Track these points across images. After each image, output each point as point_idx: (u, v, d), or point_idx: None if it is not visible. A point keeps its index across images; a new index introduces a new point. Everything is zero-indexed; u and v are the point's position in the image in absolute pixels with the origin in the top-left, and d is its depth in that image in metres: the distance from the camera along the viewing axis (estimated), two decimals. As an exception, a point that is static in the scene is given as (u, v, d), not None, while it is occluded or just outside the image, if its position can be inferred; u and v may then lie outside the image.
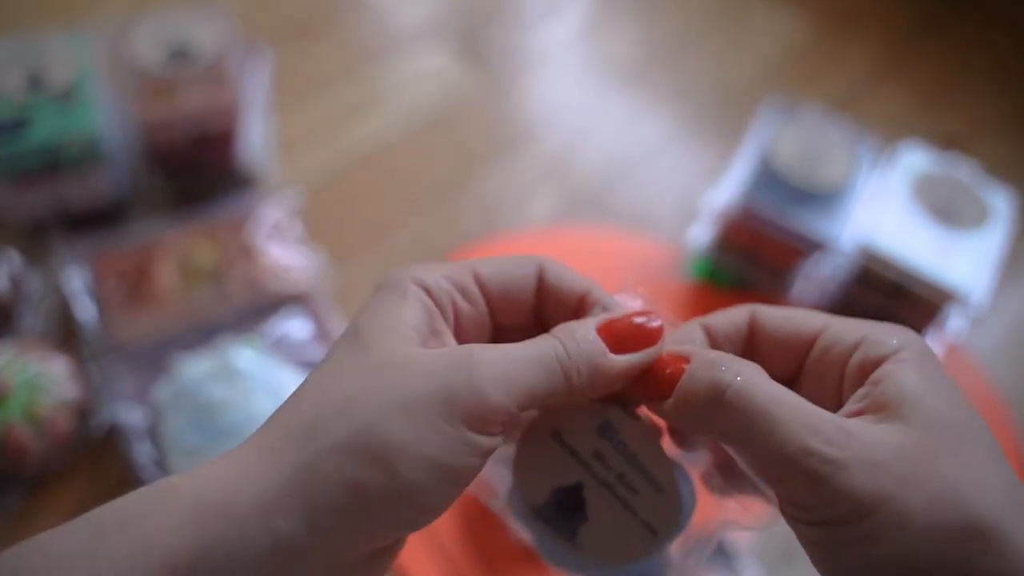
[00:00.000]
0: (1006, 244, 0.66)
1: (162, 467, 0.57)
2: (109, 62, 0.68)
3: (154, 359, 0.62)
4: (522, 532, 0.32)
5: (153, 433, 0.59)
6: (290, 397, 0.26)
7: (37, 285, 0.65)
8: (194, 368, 0.60)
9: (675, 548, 0.31)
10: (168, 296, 0.65)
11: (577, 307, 0.30)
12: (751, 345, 0.29)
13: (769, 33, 0.94)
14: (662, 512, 0.29)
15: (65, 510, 0.57)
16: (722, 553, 0.57)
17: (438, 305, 0.28)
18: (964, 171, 0.69)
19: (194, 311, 0.65)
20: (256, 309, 0.66)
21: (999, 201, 0.67)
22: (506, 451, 0.31)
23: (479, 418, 0.25)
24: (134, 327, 0.63)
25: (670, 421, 0.28)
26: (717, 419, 0.26)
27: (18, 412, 0.55)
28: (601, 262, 0.73)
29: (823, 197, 0.67)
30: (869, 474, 0.23)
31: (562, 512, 0.30)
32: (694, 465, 0.32)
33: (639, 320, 0.28)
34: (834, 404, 0.27)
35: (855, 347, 0.27)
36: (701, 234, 0.73)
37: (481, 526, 0.57)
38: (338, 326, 0.66)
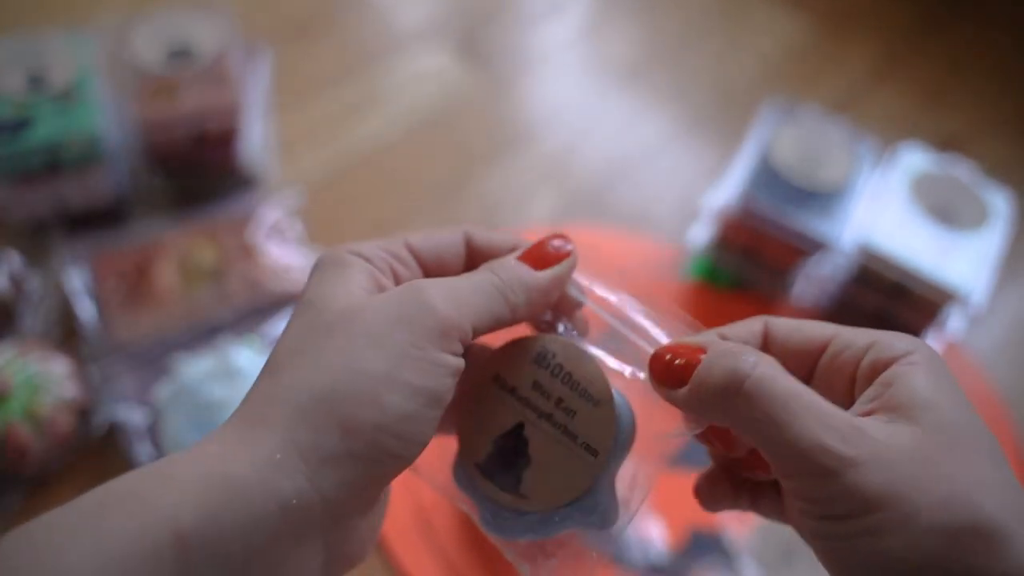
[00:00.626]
0: (1005, 244, 0.66)
1: (162, 467, 0.57)
2: (109, 62, 0.68)
3: (154, 359, 0.62)
4: (465, 502, 0.32)
5: (153, 433, 0.59)
6: (263, 368, 0.27)
7: (37, 285, 0.65)
8: (194, 368, 0.60)
9: (620, 483, 0.31)
10: (168, 296, 0.65)
11: None
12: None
13: (769, 33, 0.94)
14: (601, 428, 0.30)
15: (65, 510, 0.57)
16: (722, 553, 0.57)
17: (380, 270, 0.29)
18: (964, 171, 0.69)
19: (194, 311, 0.65)
20: (256, 309, 0.66)
21: (999, 201, 0.67)
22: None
23: (440, 334, 0.26)
24: (134, 327, 0.64)
25: (685, 409, 0.29)
26: (733, 408, 0.26)
27: (18, 412, 0.56)
28: (601, 262, 0.73)
29: (823, 197, 0.67)
30: (881, 472, 0.24)
31: (504, 461, 0.30)
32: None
33: (553, 244, 0.32)
34: (845, 405, 0.27)
35: (866, 350, 0.28)
36: (701, 234, 0.73)
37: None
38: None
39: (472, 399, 0.31)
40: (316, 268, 0.29)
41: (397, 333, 0.26)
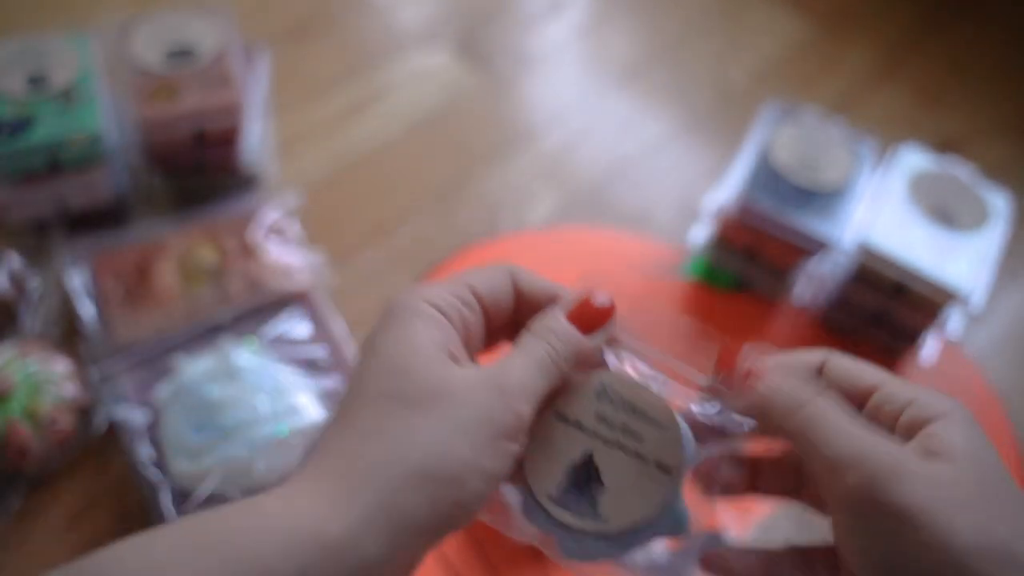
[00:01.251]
0: (1004, 244, 0.66)
1: (162, 466, 0.57)
2: (110, 62, 0.68)
3: (154, 359, 0.62)
4: (538, 536, 0.34)
5: (153, 432, 0.59)
6: (339, 425, 0.30)
7: (37, 285, 0.65)
8: (194, 368, 0.60)
9: (673, 548, 0.34)
10: (168, 296, 0.65)
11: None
12: None
13: (769, 33, 0.94)
14: (669, 447, 0.33)
15: (66, 509, 0.57)
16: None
17: (450, 321, 0.32)
18: (963, 171, 0.69)
19: (194, 311, 0.65)
20: (256, 309, 0.66)
21: (998, 201, 0.67)
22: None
23: (516, 431, 0.30)
24: (134, 327, 0.64)
25: (744, 412, 0.32)
26: (793, 427, 0.30)
27: (19, 411, 0.56)
28: (601, 262, 0.73)
29: (823, 197, 0.67)
30: (923, 492, 0.27)
31: (579, 489, 0.33)
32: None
33: (597, 302, 0.34)
34: None
35: (905, 407, 0.30)
36: (701, 234, 0.73)
37: (480, 527, 0.58)
38: (338, 326, 0.66)
39: (536, 439, 0.33)
40: (390, 315, 0.32)
41: (483, 428, 0.29)
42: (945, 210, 0.67)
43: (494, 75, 0.88)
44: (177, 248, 0.67)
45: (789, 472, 0.36)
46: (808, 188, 0.67)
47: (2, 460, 0.56)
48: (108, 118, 0.65)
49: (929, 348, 0.69)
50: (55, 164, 0.64)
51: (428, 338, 0.31)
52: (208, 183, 0.73)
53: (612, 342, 0.35)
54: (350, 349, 0.65)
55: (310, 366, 0.63)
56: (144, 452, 0.58)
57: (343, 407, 0.31)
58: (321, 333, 0.66)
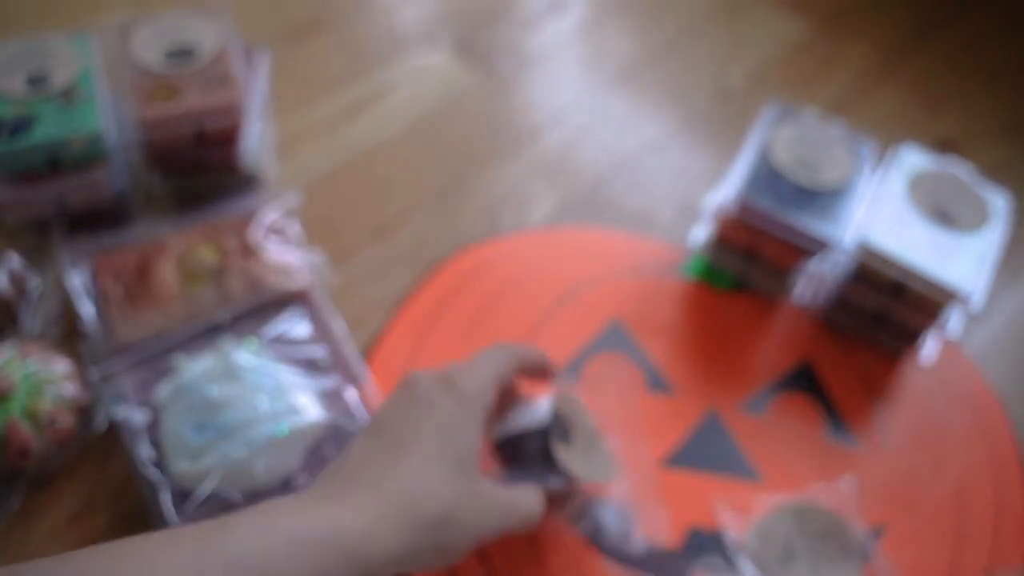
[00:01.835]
0: (1004, 244, 0.66)
1: (162, 466, 0.57)
2: (110, 62, 0.68)
3: (154, 359, 0.62)
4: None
5: (153, 432, 0.59)
6: (391, 460, 0.44)
7: (37, 285, 0.65)
8: (194, 367, 0.60)
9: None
10: (168, 296, 0.65)
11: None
12: None
13: (769, 33, 0.94)
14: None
15: (66, 509, 0.57)
16: (721, 552, 0.57)
17: (484, 415, 0.48)
18: (963, 171, 0.69)
19: (194, 311, 0.65)
20: (256, 309, 0.66)
21: (998, 201, 0.68)
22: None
23: (508, 530, 0.48)
24: (134, 327, 0.64)
25: None
26: None
27: (19, 411, 0.56)
28: (601, 262, 0.73)
29: (823, 197, 0.67)
30: None
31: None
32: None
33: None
34: None
35: None
36: (701, 234, 0.73)
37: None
38: (338, 326, 0.66)
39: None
40: (448, 401, 0.47)
41: (491, 531, 0.47)
42: (945, 210, 0.67)
43: (494, 75, 0.88)
44: (177, 248, 0.67)
45: None
46: (808, 188, 0.67)
47: (2, 460, 0.56)
48: (108, 118, 0.65)
49: (929, 348, 0.69)
50: (55, 164, 0.64)
51: (475, 439, 0.47)
52: (208, 183, 0.73)
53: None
54: (350, 349, 0.65)
55: (310, 366, 0.63)
56: (144, 452, 0.58)
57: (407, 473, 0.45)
58: (321, 333, 0.66)
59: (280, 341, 0.64)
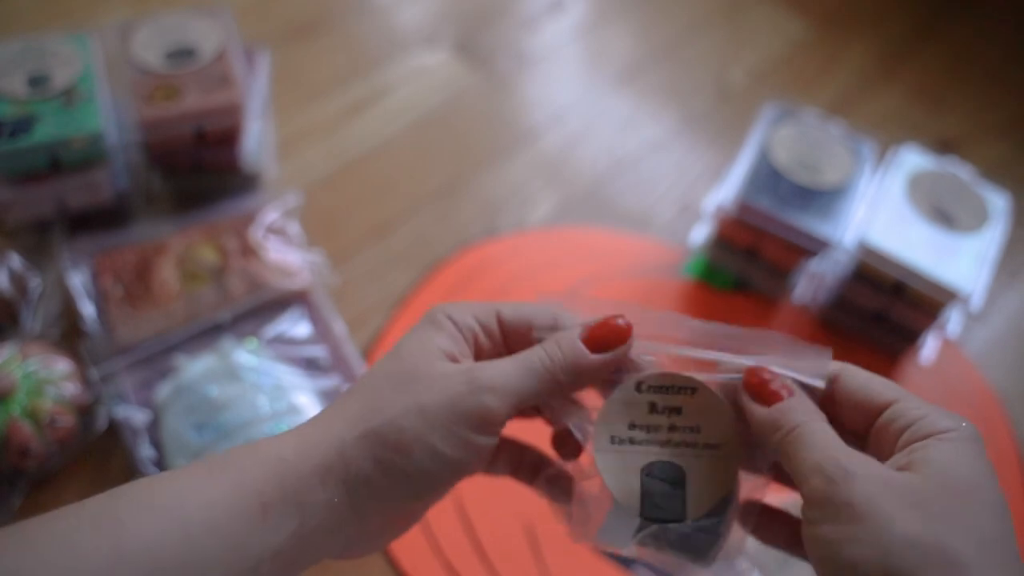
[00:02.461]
0: (1003, 244, 0.66)
1: (162, 466, 0.57)
2: (110, 62, 0.68)
3: (154, 359, 0.62)
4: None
5: (153, 432, 0.59)
6: (348, 389, 0.35)
7: (38, 285, 0.65)
8: (194, 367, 0.60)
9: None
10: (168, 296, 0.65)
11: None
12: (830, 398, 0.34)
13: (769, 33, 0.94)
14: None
15: (66, 509, 0.57)
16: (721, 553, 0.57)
17: (462, 335, 0.35)
18: (963, 172, 0.69)
19: (194, 311, 0.65)
20: (256, 309, 0.66)
21: (997, 201, 0.68)
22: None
23: (480, 421, 0.33)
24: (134, 327, 0.64)
25: (754, 422, 0.33)
26: (780, 441, 0.32)
27: (20, 411, 0.56)
28: (601, 262, 0.73)
29: (823, 197, 0.67)
30: (871, 486, 0.28)
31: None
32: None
33: (613, 323, 0.35)
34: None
35: (914, 422, 0.31)
36: (701, 234, 0.73)
37: (480, 526, 0.58)
38: (338, 326, 0.66)
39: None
40: (418, 322, 0.36)
41: (443, 412, 0.33)
42: (945, 210, 0.67)
43: (494, 75, 0.88)
44: (177, 248, 0.67)
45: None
46: (808, 188, 0.67)
47: (3, 459, 0.56)
48: (108, 118, 0.65)
49: (929, 348, 0.69)
50: (56, 164, 0.64)
51: (433, 342, 0.35)
52: (208, 183, 0.73)
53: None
54: (350, 349, 0.65)
55: (310, 366, 0.63)
56: (144, 452, 0.58)
57: (354, 383, 0.35)
58: (321, 333, 0.66)
59: (280, 341, 0.64)
